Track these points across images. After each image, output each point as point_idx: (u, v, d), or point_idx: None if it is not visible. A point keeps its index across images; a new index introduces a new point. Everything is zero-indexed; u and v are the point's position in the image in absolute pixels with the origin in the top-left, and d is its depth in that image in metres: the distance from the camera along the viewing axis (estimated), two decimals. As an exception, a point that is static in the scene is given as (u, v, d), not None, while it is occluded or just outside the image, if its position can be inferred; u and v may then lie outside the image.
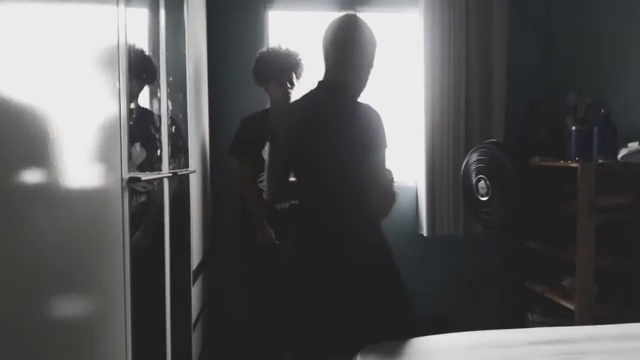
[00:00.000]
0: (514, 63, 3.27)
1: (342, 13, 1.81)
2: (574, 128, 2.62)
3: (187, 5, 2.16)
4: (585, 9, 3.10)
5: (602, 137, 2.55)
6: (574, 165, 2.50)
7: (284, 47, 2.70)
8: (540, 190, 2.81)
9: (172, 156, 1.87)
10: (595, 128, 2.57)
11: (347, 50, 1.75)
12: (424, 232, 3.22)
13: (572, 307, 2.51)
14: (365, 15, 3.28)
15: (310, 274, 1.76)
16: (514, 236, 3.05)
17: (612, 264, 2.51)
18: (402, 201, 3.34)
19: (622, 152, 2.50)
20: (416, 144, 3.28)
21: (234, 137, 2.76)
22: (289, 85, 2.66)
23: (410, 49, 3.33)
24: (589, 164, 2.47)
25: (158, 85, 1.69)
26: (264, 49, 2.78)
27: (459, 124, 3.20)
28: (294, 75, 2.67)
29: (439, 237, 3.24)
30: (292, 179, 1.91)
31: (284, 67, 2.64)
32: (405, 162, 3.39)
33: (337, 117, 1.74)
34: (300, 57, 2.69)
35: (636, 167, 2.45)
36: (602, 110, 2.59)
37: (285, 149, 1.81)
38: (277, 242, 2.67)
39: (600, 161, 2.51)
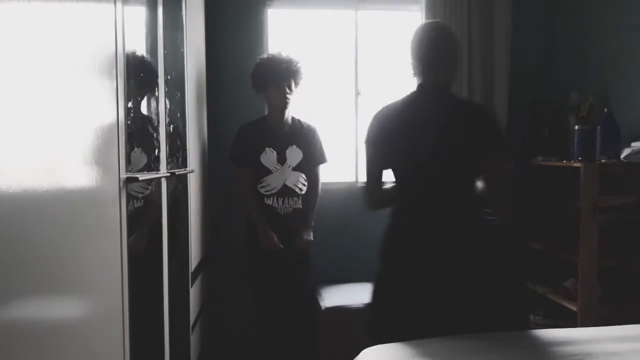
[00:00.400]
0: (516, 62, 3.25)
1: (428, 21, 2.02)
2: (576, 127, 2.60)
3: (186, 2, 2.15)
4: (588, 8, 3.08)
5: (605, 136, 2.53)
6: (576, 165, 2.48)
7: (284, 54, 2.70)
8: (542, 190, 2.79)
9: (170, 156, 1.85)
10: (598, 127, 2.55)
11: (447, 55, 1.88)
12: (425, 232, 3.20)
13: (574, 308, 2.49)
14: (367, 14, 3.29)
15: (415, 268, 1.80)
16: (515, 237, 3.02)
17: (615, 265, 2.49)
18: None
19: (625, 152, 2.48)
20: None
21: (232, 144, 2.76)
22: (287, 91, 2.65)
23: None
24: (592, 163, 2.45)
25: (157, 85, 1.68)
26: (264, 55, 2.78)
27: (460, 123, 3.19)
28: (293, 82, 2.67)
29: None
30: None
31: (283, 73, 2.64)
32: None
33: (448, 117, 1.83)
34: (300, 64, 2.69)
35: (639, 166, 2.43)
36: (605, 110, 2.57)
37: (388, 150, 1.86)
38: (282, 246, 2.66)
39: (603, 161, 2.49)
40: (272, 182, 2.70)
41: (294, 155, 2.73)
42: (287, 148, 2.72)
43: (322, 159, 2.83)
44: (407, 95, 1.90)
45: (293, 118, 2.79)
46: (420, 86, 1.89)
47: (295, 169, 2.72)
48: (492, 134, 1.85)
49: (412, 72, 1.90)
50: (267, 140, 2.71)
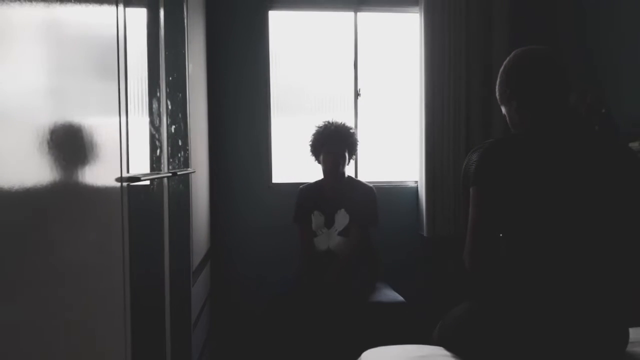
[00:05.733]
0: (515, 63, 3.26)
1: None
2: (574, 128, 2.60)
3: (187, 4, 2.16)
4: (586, 9, 3.10)
5: (603, 137, 2.53)
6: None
7: (339, 121, 2.79)
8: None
9: (172, 156, 1.87)
10: (596, 128, 2.56)
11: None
12: (424, 232, 3.22)
13: (573, 307, 2.48)
14: (366, 15, 3.30)
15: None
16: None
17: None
18: (402, 201, 3.34)
19: (623, 152, 2.48)
20: (416, 144, 3.27)
21: (295, 207, 2.82)
22: (339, 160, 2.72)
23: (410, 48, 3.32)
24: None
25: (158, 85, 1.69)
26: (320, 124, 2.80)
27: (459, 123, 3.20)
28: (346, 150, 2.75)
29: (439, 237, 3.23)
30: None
31: (336, 141, 2.72)
32: (405, 162, 3.38)
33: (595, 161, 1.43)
34: (354, 131, 2.82)
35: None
36: (603, 110, 2.58)
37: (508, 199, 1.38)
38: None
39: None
40: (318, 245, 2.74)
41: (342, 219, 2.73)
42: (335, 212, 2.74)
43: (373, 223, 2.79)
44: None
45: (350, 178, 2.85)
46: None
47: (341, 233, 2.72)
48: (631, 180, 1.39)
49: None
50: (316, 204, 2.77)
